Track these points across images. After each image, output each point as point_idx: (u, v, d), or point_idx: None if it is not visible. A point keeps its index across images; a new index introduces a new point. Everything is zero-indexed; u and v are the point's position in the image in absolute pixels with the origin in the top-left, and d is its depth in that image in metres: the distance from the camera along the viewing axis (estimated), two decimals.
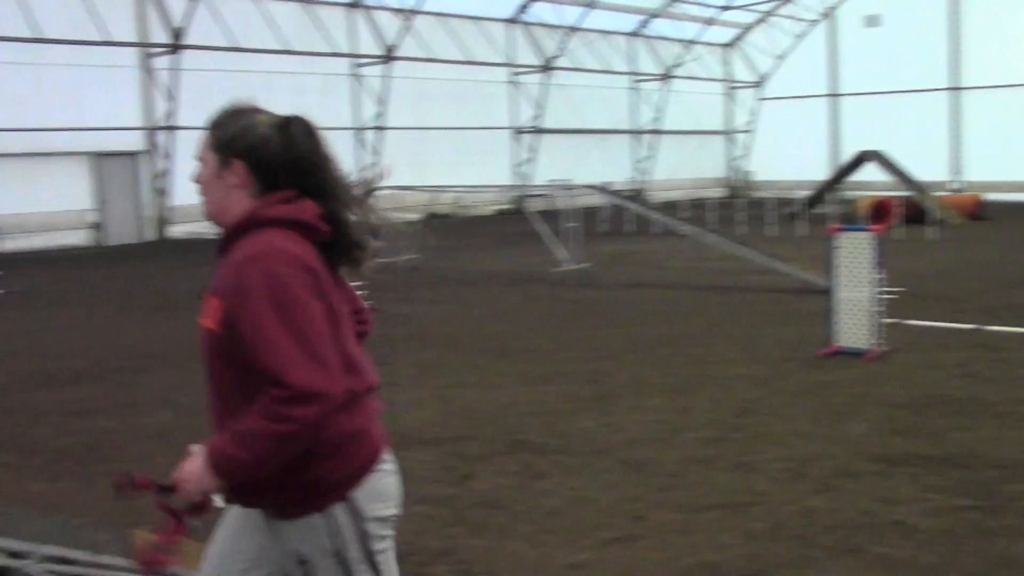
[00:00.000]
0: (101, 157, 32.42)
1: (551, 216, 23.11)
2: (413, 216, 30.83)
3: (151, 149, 33.71)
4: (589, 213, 25.80)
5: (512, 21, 43.96)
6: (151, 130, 33.69)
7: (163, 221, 33.64)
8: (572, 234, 21.22)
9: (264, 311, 2.77)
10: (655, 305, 15.73)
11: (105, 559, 4.72)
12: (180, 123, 33.43)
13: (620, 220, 30.05)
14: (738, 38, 53.24)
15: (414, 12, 38.76)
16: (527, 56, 44.30)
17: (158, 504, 3.01)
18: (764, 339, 12.55)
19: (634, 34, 48.90)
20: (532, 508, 6.58)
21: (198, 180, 3.14)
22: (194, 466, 2.92)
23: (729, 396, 9.61)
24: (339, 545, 2.97)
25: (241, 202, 3.05)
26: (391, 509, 3.11)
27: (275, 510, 3.03)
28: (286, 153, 3.03)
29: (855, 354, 11.13)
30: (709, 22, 50.13)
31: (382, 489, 3.08)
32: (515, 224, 32.49)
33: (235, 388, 2.95)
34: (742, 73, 53.60)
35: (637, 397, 9.65)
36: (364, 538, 3.00)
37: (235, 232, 3.00)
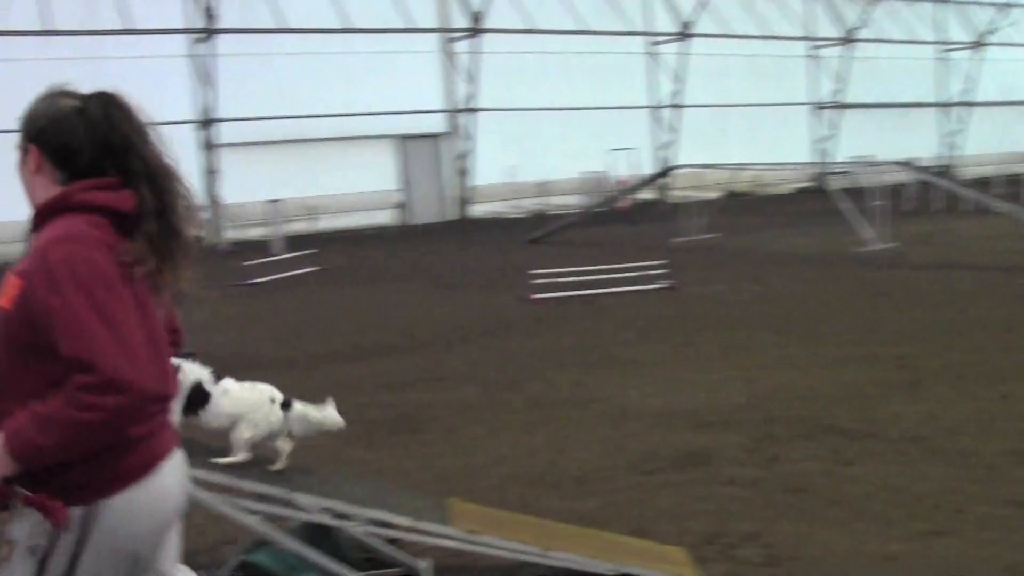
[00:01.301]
0: (406, 139, 33.66)
1: (854, 194, 22.37)
2: (711, 195, 30.54)
3: (452, 131, 34.73)
4: (894, 191, 24.83)
5: None
6: (452, 112, 34.70)
7: (464, 200, 34.62)
8: (877, 212, 20.48)
9: (72, 296, 2.59)
10: (969, 287, 14.94)
11: (424, 525, 4.87)
12: (480, 105, 34.31)
13: (928, 198, 28.75)
14: None
15: None
16: (827, 28, 43.00)
17: None
18: None
19: (943, 0, 46.61)
20: (842, 495, 6.37)
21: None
22: None
23: None
24: (45, 548, 2.72)
25: (43, 188, 2.85)
26: (137, 544, 2.83)
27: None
28: (87, 135, 2.83)
29: None
30: None
31: (137, 520, 2.79)
32: (816, 202, 31.63)
33: (15, 375, 2.72)
34: None
35: (952, 383, 9.18)
36: (74, 560, 2.73)
37: (42, 215, 2.80)
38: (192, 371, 4.60)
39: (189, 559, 5.45)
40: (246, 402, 4.78)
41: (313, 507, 4.90)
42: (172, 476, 2.91)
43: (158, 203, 2.82)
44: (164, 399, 2.84)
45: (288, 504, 4.85)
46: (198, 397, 4.60)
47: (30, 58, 27.24)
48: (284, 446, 4.97)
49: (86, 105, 2.89)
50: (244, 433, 4.77)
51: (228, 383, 4.78)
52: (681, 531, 5.82)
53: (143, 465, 2.80)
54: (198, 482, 4.67)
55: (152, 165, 2.86)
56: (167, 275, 2.84)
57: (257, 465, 5.30)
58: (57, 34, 27.13)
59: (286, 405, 4.91)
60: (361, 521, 4.95)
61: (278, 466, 4.87)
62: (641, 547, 5.44)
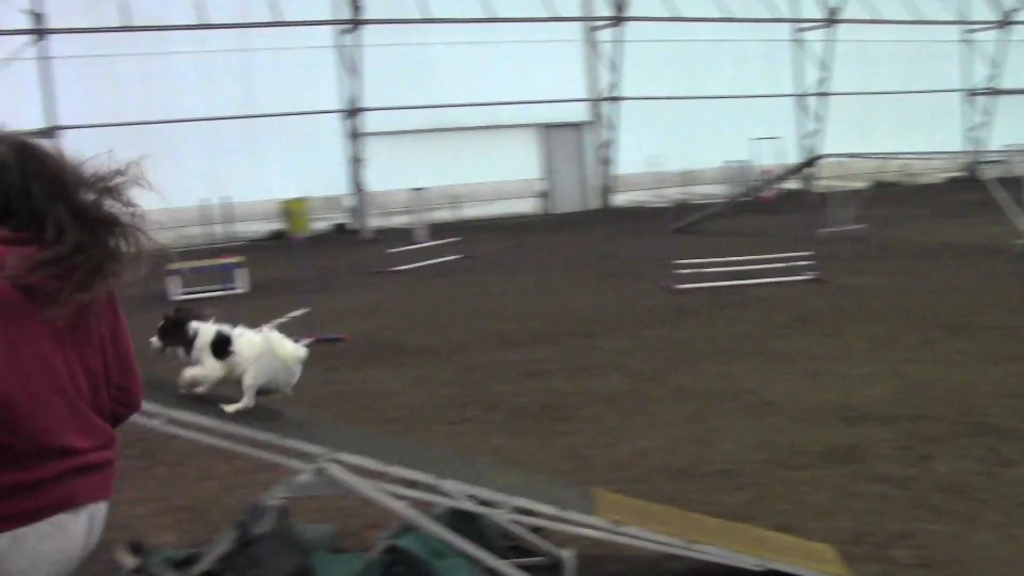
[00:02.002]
0: (548, 128, 33.71)
1: (1010, 184, 21.60)
2: (859, 184, 29.89)
3: (595, 120, 34.66)
4: None
5: None
6: (595, 101, 34.62)
7: (607, 190, 34.54)
8: None
9: None
10: None
11: (569, 515, 4.86)
12: (624, 94, 34.16)
13: None
14: None
15: None
16: (982, 11, 41.59)
17: None
18: None
19: None
20: (1000, 497, 6.15)
21: None
22: None
23: None
24: None
25: None
26: None
27: None
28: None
29: None
30: None
31: (16, 562, 2.71)
32: (969, 192, 30.69)
33: None
34: None
35: None
36: None
37: None
38: (206, 329, 4.83)
39: (336, 542, 5.57)
40: (256, 347, 4.89)
41: (459, 494, 4.94)
42: (68, 528, 2.83)
43: (85, 240, 2.72)
44: (55, 451, 2.76)
45: (434, 490, 4.90)
46: (222, 343, 4.81)
47: (186, 51, 28.13)
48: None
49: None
50: (250, 379, 4.86)
51: (243, 328, 4.95)
52: (829, 528, 5.70)
53: (26, 512, 2.74)
54: (348, 467, 4.76)
55: (76, 207, 2.75)
56: (84, 296, 2.74)
57: (407, 452, 5.37)
58: (210, 27, 27.92)
59: None
60: (506, 509, 4.97)
61: (236, 407, 4.88)
62: (788, 543, 5.35)
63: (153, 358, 4.80)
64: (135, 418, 4.64)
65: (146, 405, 4.64)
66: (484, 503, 5.02)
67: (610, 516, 4.92)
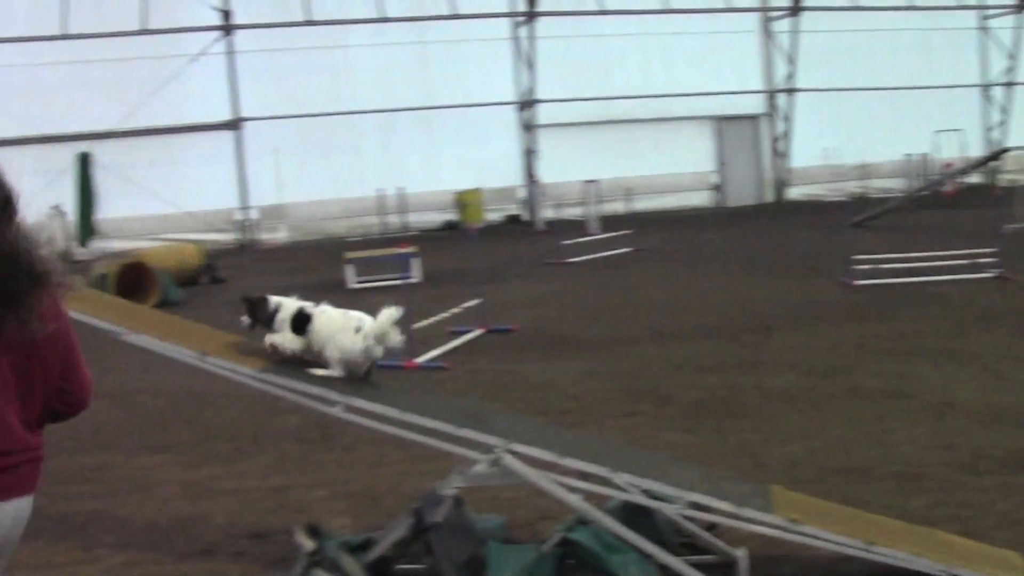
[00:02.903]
0: (723, 121, 33.33)
1: None
2: None
3: (771, 112, 34.12)
4: None
5: None
6: (771, 93, 34.08)
7: (781, 183, 33.96)
8: None
9: None
10: None
11: (746, 512, 4.79)
12: (799, 86, 33.54)
13: None
14: None
15: None
16: None
17: None
18: None
19: None
20: None
21: None
22: None
23: None
24: None
25: None
26: None
27: None
28: None
29: None
30: None
31: None
32: None
33: None
34: None
35: None
36: None
37: None
38: (289, 303, 5.30)
39: (508, 532, 5.62)
40: (335, 323, 5.21)
41: (633, 488, 4.94)
42: None
43: None
44: None
45: (608, 483, 4.90)
46: (301, 319, 5.23)
47: (364, 44, 28.76)
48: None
49: None
50: (335, 353, 5.16)
51: (325, 306, 5.33)
52: (1015, 538, 5.48)
53: None
54: (523, 458, 4.80)
55: None
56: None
57: (579, 444, 5.38)
58: (388, 21, 28.51)
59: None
60: (681, 504, 4.94)
61: (324, 372, 5.22)
62: (973, 549, 5.17)
63: (247, 333, 5.51)
64: (313, 404, 4.88)
65: (329, 393, 4.83)
66: (658, 498, 5.00)
67: (787, 514, 4.83)
